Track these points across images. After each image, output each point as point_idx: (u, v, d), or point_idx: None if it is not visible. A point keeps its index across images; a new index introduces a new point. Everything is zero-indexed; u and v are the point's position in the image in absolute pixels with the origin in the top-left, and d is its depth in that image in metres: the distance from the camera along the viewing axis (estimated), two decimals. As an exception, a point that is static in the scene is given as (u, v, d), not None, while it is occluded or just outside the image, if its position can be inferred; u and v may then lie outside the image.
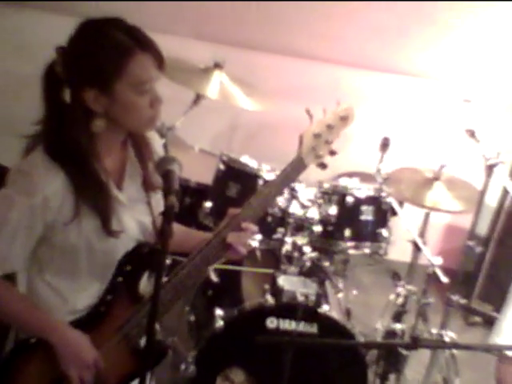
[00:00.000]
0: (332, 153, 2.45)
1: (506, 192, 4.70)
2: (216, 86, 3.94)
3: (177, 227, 2.46)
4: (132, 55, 2.09)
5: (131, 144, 2.34)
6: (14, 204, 2.11)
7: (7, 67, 4.58)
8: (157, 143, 2.46)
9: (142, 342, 2.30)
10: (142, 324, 2.26)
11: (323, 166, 2.45)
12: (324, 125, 2.42)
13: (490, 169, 3.69)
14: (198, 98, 4.01)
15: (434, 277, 3.51)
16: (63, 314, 2.28)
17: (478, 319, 5.04)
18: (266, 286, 3.36)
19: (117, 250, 2.28)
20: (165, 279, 2.25)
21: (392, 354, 3.71)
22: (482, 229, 4.95)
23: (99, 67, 2.09)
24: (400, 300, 3.82)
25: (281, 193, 2.65)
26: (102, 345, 2.27)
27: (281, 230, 3.60)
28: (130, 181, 2.32)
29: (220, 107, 4.27)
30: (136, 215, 2.32)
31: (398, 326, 3.76)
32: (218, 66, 4.00)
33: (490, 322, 4.81)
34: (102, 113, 2.14)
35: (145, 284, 2.35)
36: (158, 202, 2.30)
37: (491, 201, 4.72)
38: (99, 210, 2.18)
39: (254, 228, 2.37)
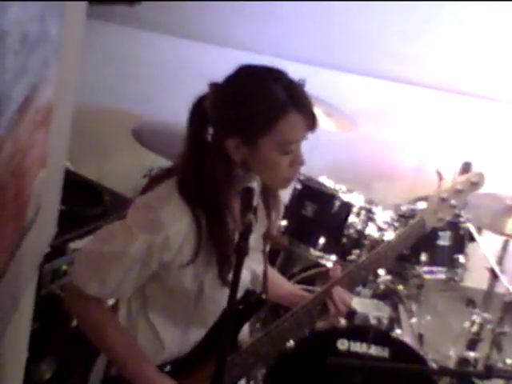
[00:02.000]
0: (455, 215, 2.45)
1: None
2: (296, 105, 3.95)
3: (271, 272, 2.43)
4: (286, 114, 1.98)
5: (261, 197, 2.21)
6: (135, 239, 2.03)
7: (90, 80, 4.69)
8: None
9: None
10: (233, 374, 2.20)
11: (442, 223, 2.44)
12: (453, 190, 2.41)
13: None
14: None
15: (510, 306, 3.45)
16: (156, 353, 2.21)
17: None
18: (339, 308, 3.34)
19: (225, 299, 2.06)
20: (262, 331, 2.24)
21: (465, 383, 3.64)
22: None
23: (249, 119, 1.99)
24: (475, 328, 3.76)
25: (395, 255, 2.52)
26: None
27: (356, 251, 3.59)
28: (256, 235, 2.15)
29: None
30: (251, 264, 2.20)
31: (471, 355, 3.70)
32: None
33: None
34: (240, 162, 2.04)
35: (244, 333, 2.28)
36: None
37: None
38: (221, 259, 2.08)
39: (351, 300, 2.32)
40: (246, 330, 2.30)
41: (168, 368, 2.20)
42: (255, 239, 2.17)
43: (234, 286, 1.85)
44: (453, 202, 2.40)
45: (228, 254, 2.06)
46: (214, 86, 2.05)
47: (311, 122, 2.05)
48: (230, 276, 1.97)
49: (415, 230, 2.39)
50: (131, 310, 2.23)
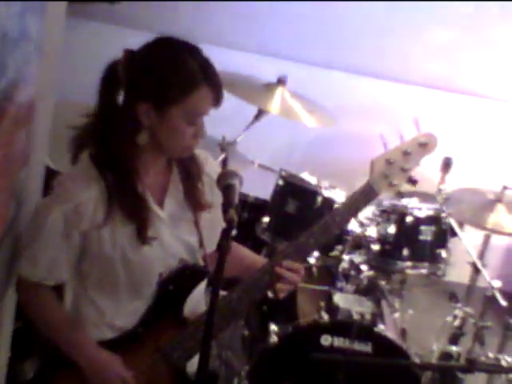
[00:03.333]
0: (412, 181, 2.37)
1: None
2: (278, 101, 3.95)
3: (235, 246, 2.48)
4: (197, 87, 2.10)
5: (177, 164, 2.31)
6: (51, 212, 2.14)
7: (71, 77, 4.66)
8: (210, 164, 2.43)
9: (189, 365, 2.30)
10: (185, 347, 2.26)
11: (400, 194, 2.39)
12: (399, 151, 2.33)
13: (554, 192, 3.64)
14: (260, 113, 4.03)
15: (492, 300, 3.47)
16: (102, 329, 2.29)
17: (536, 344, 4.94)
18: (322, 303, 3.36)
19: (153, 263, 2.25)
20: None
21: (447, 377, 3.66)
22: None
23: (164, 88, 2.09)
24: (457, 322, 3.77)
25: (346, 221, 2.52)
26: (138, 366, 2.27)
27: (338, 247, 3.60)
28: (173, 199, 2.29)
29: (281, 123, 4.29)
30: (179, 233, 2.29)
31: (454, 349, 3.71)
32: (281, 81, 4.01)
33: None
34: (147, 127, 2.14)
35: (189, 306, 2.32)
36: (212, 221, 2.30)
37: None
38: (134, 218, 2.17)
39: (301, 269, 2.34)
40: (190, 302, 2.32)
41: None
42: (179, 209, 2.29)
43: (217, 279, 1.87)
44: (402, 164, 2.32)
45: (140, 214, 2.17)
46: (130, 53, 2.15)
47: (218, 98, 2.17)
48: (149, 234, 2.17)
49: (363, 196, 2.33)
50: (75, 293, 2.30)
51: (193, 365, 2.23)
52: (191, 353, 2.26)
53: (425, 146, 2.35)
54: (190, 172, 2.33)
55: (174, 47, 2.15)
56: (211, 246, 2.32)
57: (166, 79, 2.09)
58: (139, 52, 2.15)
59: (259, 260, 2.52)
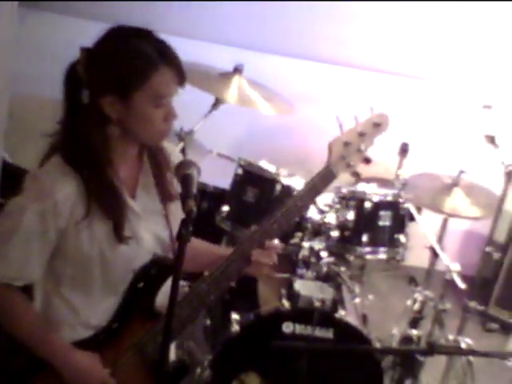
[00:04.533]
0: (367, 161, 2.41)
1: (524, 198, 4.68)
2: (235, 90, 3.95)
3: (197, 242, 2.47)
4: (156, 69, 2.10)
5: (147, 155, 2.32)
6: (26, 211, 2.10)
7: (29, 71, 4.61)
8: (176, 155, 2.44)
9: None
10: (158, 341, 2.22)
11: (356, 175, 2.41)
12: (355, 132, 2.38)
13: (509, 175, 3.69)
14: (217, 102, 4.02)
15: (451, 283, 3.51)
16: (77, 328, 2.27)
17: (495, 326, 5.01)
18: (283, 291, 3.36)
19: (130, 261, 2.25)
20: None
21: (408, 360, 3.70)
22: (501, 235, 4.93)
23: (122, 76, 2.09)
24: (417, 306, 3.81)
25: (307, 205, 2.55)
26: (115, 362, 2.26)
27: (298, 234, 3.60)
28: (144, 192, 2.30)
29: (239, 112, 4.28)
30: (151, 227, 2.30)
31: (414, 332, 3.75)
32: (237, 70, 4.01)
33: (507, 329, 4.80)
34: (116, 120, 2.14)
35: (162, 299, 2.31)
36: (177, 211, 2.29)
37: (510, 207, 4.69)
38: (111, 215, 2.16)
39: (278, 245, 2.37)
40: (163, 296, 2.31)
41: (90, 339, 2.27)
42: (150, 201, 2.29)
43: (176, 270, 1.87)
44: (358, 145, 2.37)
45: (117, 209, 2.17)
46: (85, 50, 2.15)
47: (180, 77, 2.17)
48: (127, 233, 2.16)
49: (323, 179, 2.37)
50: (46, 293, 2.27)
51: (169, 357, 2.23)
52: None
53: (378, 125, 2.41)
54: (159, 163, 2.33)
55: (124, 35, 2.15)
56: None
57: (123, 68, 2.09)
58: (94, 47, 2.15)
59: (224, 251, 2.51)
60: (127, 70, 2.09)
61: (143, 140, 2.23)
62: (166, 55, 2.13)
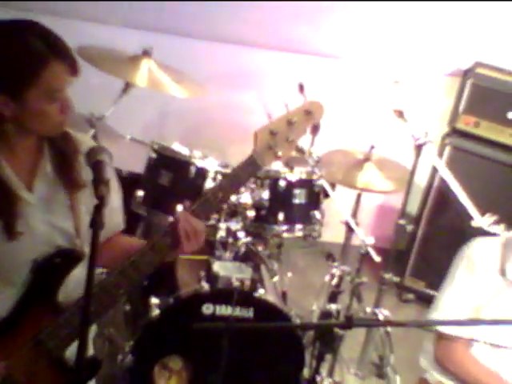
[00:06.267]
0: (299, 151, 2.33)
1: (434, 171, 4.78)
2: (145, 73, 3.90)
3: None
4: (46, 64, 2.03)
5: (48, 145, 2.24)
6: None
7: None
8: (88, 144, 2.31)
9: (68, 353, 2.22)
10: (61, 334, 2.19)
11: (289, 166, 2.33)
12: (283, 121, 2.29)
13: (419, 148, 3.76)
14: (127, 86, 3.98)
15: (367, 256, 3.57)
16: None
17: (411, 296, 5.13)
18: (202, 273, 3.36)
19: (23, 254, 2.18)
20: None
21: (328, 335, 3.75)
22: (413, 208, 5.03)
23: (10, 74, 2.03)
24: (335, 281, 3.86)
25: (229, 196, 2.41)
26: (15, 355, 2.18)
27: (214, 216, 3.61)
28: (43, 182, 2.21)
29: (149, 95, 4.25)
30: (53, 219, 2.23)
31: (333, 307, 3.80)
32: (146, 53, 3.96)
33: (422, 299, 4.91)
34: (10, 117, 2.07)
35: (64, 292, 2.24)
36: (89, 199, 2.22)
37: (421, 180, 4.79)
38: (1, 212, 2.10)
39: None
40: (65, 288, 2.25)
41: None
42: (51, 192, 2.21)
43: (91, 258, 1.83)
44: (287, 134, 2.26)
45: (7, 206, 2.10)
46: None
47: (73, 68, 2.10)
48: (21, 227, 2.11)
49: (246, 169, 2.28)
50: None
51: (73, 352, 2.14)
52: (68, 340, 2.20)
53: (310, 113, 2.31)
54: (63, 151, 2.26)
55: (7, 31, 2.07)
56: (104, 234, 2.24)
57: (11, 68, 2.03)
58: None
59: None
60: (15, 69, 2.03)
61: (40, 134, 2.18)
62: (54, 48, 2.05)
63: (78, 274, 2.27)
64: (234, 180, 2.31)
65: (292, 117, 2.29)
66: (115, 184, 2.40)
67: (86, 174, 2.20)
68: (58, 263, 2.22)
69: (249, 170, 2.30)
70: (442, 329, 2.76)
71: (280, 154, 2.28)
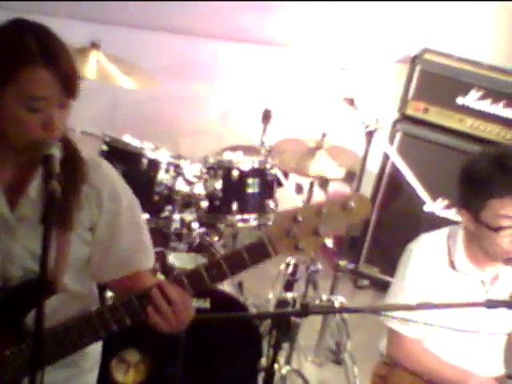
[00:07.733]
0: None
1: (386, 157, 4.81)
2: (93, 66, 3.86)
3: None
4: (31, 64, 1.87)
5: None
6: None
7: None
8: (100, 174, 2.15)
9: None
10: (20, 363, 2.02)
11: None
12: (312, 210, 1.90)
13: (370, 135, 3.79)
14: (76, 79, 3.93)
15: (321, 244, 3.58)
16: None
17: (366, 282, 5.16)
18: (157, 265, 3.35)
19: None
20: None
21: (284, 323, 3.75)
22: (366, 194, 5.05)
23: None
24: (290, 269, 3.88)
25: (224, 279, 2.04)
26: None
27: (168, 207, 3.60)
28: (28, 202, 2.04)
29: (99, 87, 4.20)
30: (27, 241, 2.05)
31: (289, 295, 3.82)
32: (94, 45, 3.91)
33: (377, 285, 4.94)
34: None
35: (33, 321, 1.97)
36: (102, 243, 2.11)
37: (373, 166, 4.82)
38: None
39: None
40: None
41: None
42: (33, 210, 2.03)
43: (42, 263, 1.76)
44: (316, 226, 1.88)
45: None
46: None
47: (64, 85, 1.92)
48: None
49: (253, 254, 1.94)
50: None
51: None
52: (26, 369, 1.95)
53: (350, 209, 1.89)
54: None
55: (10, 25, 1.95)
56: (110, 273, 2.17)
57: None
58: None
59: None
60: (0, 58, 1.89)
61: (19, 146, 1.98)
62: (47, 53, 1.89)
63: (55, 302, 2.07)
64: (234, 261, 1.97)
65: (325, 208, 1.89)
66: (133, 220, 2.22)
67: (98, 209, 2.09)
68: (26, 292, 2.05)
69: (256, 257, 1.94)
70: (394, 326, 2.76)
71: (301, 246, 1.90)
